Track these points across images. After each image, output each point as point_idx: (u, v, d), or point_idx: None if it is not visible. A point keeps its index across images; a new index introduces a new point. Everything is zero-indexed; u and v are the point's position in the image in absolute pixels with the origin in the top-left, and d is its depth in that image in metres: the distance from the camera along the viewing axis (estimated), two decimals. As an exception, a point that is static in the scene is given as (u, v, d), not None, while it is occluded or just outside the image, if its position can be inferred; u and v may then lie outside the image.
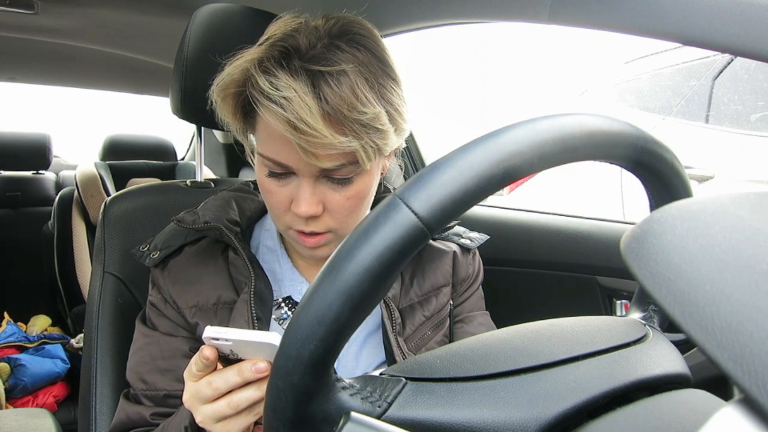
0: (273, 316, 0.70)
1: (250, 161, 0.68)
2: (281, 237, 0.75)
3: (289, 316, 0.71)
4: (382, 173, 0.69)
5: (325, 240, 0.65)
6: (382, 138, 0.59)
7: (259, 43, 0.61)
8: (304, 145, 0.55)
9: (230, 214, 0.73)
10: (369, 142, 0.57)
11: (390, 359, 0.67)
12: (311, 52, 0.57)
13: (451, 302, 0.77)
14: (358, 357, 0.70)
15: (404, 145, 0.70)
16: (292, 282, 0.73)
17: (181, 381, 0.68)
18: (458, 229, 0.82)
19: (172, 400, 0.67)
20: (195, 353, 0.69)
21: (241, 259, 0.69)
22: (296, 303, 0.72)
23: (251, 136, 0.67)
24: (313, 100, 0.54)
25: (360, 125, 0.56)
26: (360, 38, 0.60)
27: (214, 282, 0.70)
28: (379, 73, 0.59)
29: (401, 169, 0.96)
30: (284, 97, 0.54)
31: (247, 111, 0.63)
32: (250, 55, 0.59)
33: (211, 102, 0.64)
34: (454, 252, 0.77)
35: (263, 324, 0.67)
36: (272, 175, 0.62)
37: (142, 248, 0.73)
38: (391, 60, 0.62)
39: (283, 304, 0.72)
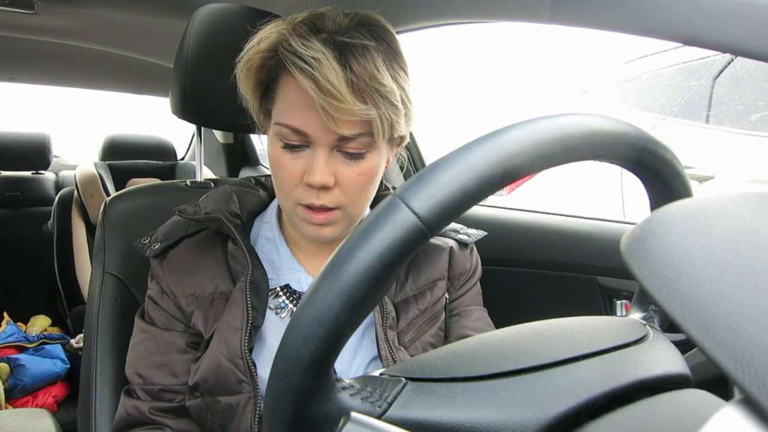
0: (270, 306, 0.71)
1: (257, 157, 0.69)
2: (281, 227, 0.76)
3: (286, 304, 0.72)
4: (387, 164, 0.71)
5: (333, 217, 0.66)
6: (396, 114, 0.62)
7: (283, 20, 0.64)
8: (326, 107, 0.58)
9: (231, 207, 0.74)
10: (385, 113, 0.60)
11: (378, 351, 0.69)
12: (337, 29, 0.61)
13: (447, 296, 0.77)
14: (356, 351, 0.71)
15: (408, 139, 0.73)
16: (291, 270, 0.74)
17: (176, 376, 0.69)
18: (455, 225, 0.82)
19: (167, 394, 0.69)
20: (192, 348, 0.70)
21: (240, 249, 0.70)
22: (294, 291, 0.73)
23: (264, 118, 0.69)
24: (339, 66, 0.58)
25: (379, 95, 0.60)
26: (377, 29, 0.63)
27: (212, 273, 0.71)
28: (394, 60, 0.63)
29: (401, 169, 0.96)
30: (314, 58, 0.57)
31: (268, 82, 0.65)
32: (281, 24, 0.62)
33: (234, 76, 0.67)
34: (451, 247, 0.78)
35: (258, 313, 0.68)
36: (287, 147, 0.64)
37: (144, 240, 0.75)
38: (405, 54, 0.66)
39: (281, 293, 0.73)
